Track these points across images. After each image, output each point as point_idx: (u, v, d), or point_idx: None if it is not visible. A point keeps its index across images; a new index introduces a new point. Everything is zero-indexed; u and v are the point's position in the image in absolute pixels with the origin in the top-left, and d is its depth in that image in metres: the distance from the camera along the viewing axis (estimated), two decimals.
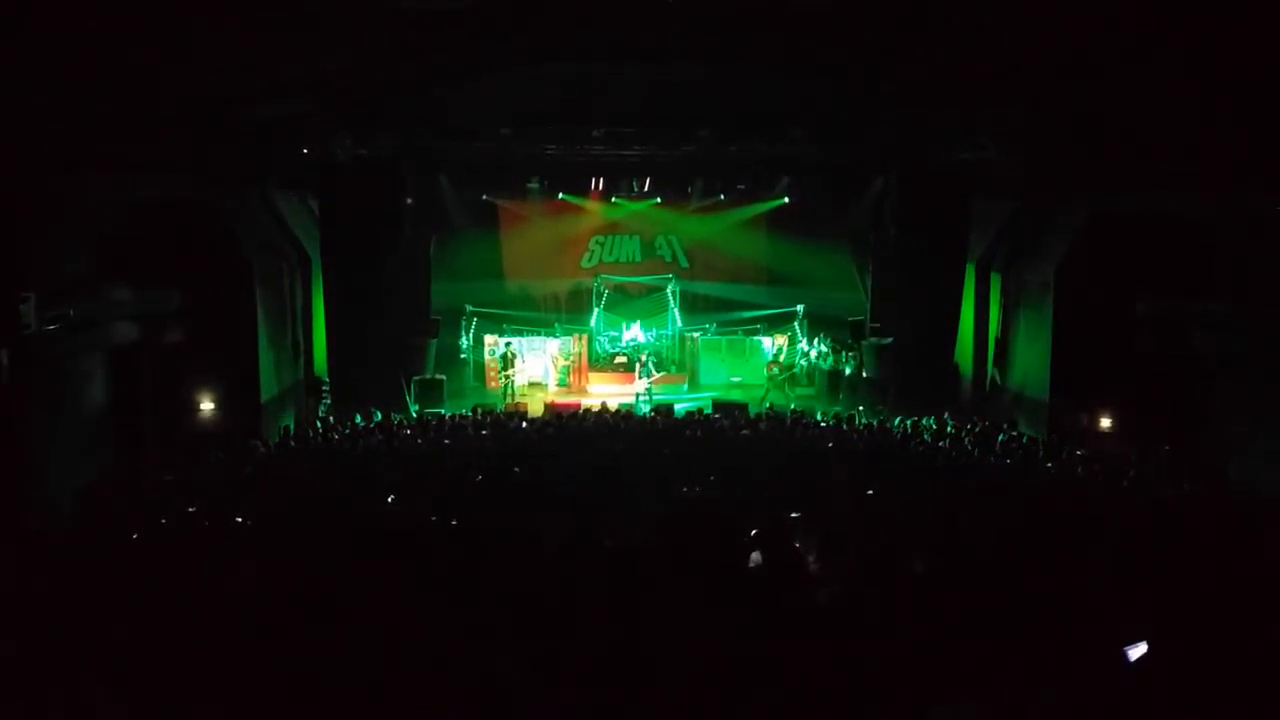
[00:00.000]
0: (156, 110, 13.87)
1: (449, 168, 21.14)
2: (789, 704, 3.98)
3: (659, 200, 23.28)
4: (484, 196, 22.89)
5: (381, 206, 19.97)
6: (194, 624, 4.77)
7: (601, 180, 22.45)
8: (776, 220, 23.48)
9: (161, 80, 13.18)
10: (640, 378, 21.19)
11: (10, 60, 10.10)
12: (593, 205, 23.53)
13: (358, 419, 17.49)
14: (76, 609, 5.13)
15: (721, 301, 24.37)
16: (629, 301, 24.46)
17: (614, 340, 23.82)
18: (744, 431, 16.22)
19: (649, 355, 22.10)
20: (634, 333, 23.73)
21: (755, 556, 5.76)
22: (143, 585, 5.75)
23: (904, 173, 20.25)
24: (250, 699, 4.10)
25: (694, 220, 24.01)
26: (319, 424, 17.18)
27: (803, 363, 23.09)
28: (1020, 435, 16.45)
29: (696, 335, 23.50)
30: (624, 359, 22.95)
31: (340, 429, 16.83)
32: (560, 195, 22.89)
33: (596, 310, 23.94)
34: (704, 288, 24.44)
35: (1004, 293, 19.34)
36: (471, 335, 23.23)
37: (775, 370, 21.67)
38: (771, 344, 23.02)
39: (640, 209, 23.69)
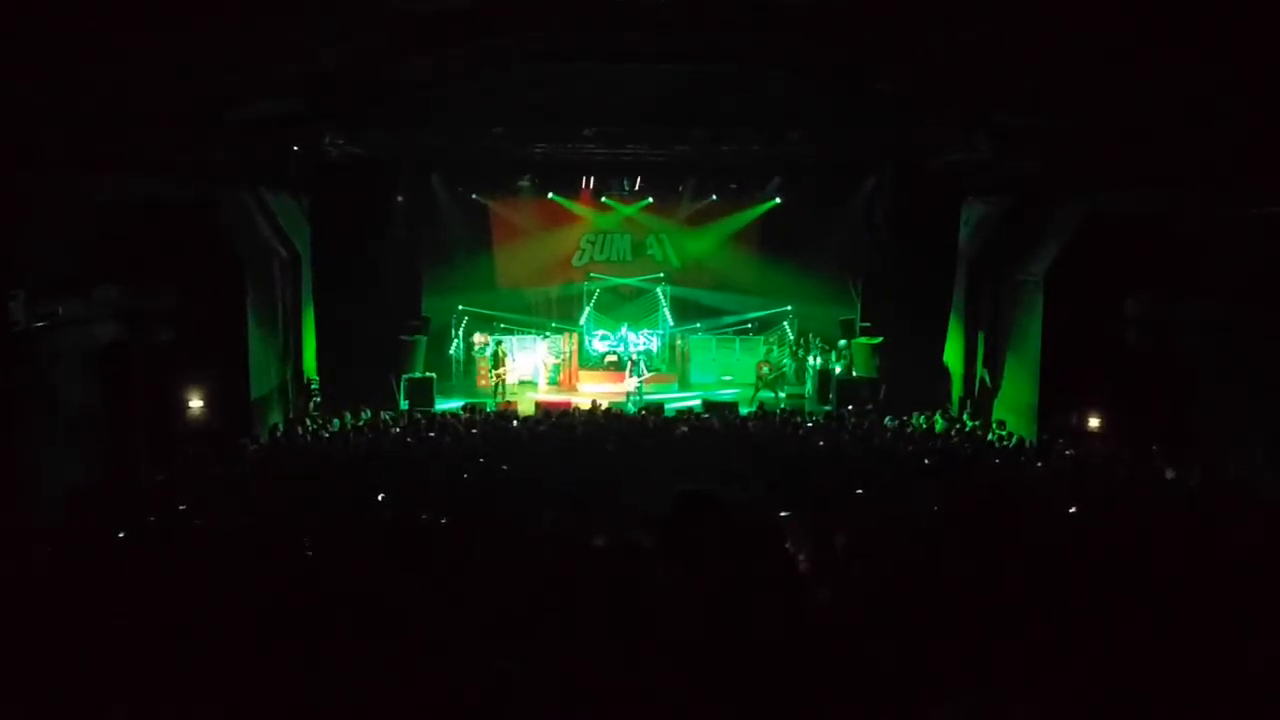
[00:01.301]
0: (149, 108, 13.82)
1: (441, 166, 21.13)
2: (784, 704, 3.99)
3: (650, 200, 23.25)
4: (473, 196, 22.83)
5: (373, 205, 19.98)
6: (186, 624, 4.76)
7: (593, 180, 22.41)
8: (768, 220, 23.47)
9: (154, 78, 13.13)
10: (631, 377, 21.21)
11: (1, 58, 10.06)
12: (584, 204, 23.48)
13: (348, 417, 17.48)
14: (67, 609, 5.12)
15: (712, 301, 24.28)
16: (620, 302, 24.44)
17: (604, 338, 23.82)
18: (746, 426, 16.28)
19: (639, 354, 22.13)
20: (623, 335, 23.69)
21: None
22: (133, 585, 5.74)
23: (896, 173, 20.30)
24: (245, 700, 4.09)
25: (685, 223, 23.96)
26: (309, 422, 17.16)
27: (791, 362, 23.16)
28: (1010, 435, 16.51)
29: (687, 334, 23.57)
30: (614, 358, 22.99)
31: (330, 427, 16.82)
32: (550, 195, 22.83)
33: (587, 310, 23.94)
34: (694, 288, 24.36)
35: (995, 293, 19.40)
36: (462, 334, 23.21)
37: (766, 370, 21.71)
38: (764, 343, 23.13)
39: (631, 212, 23.66)
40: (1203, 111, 13.27)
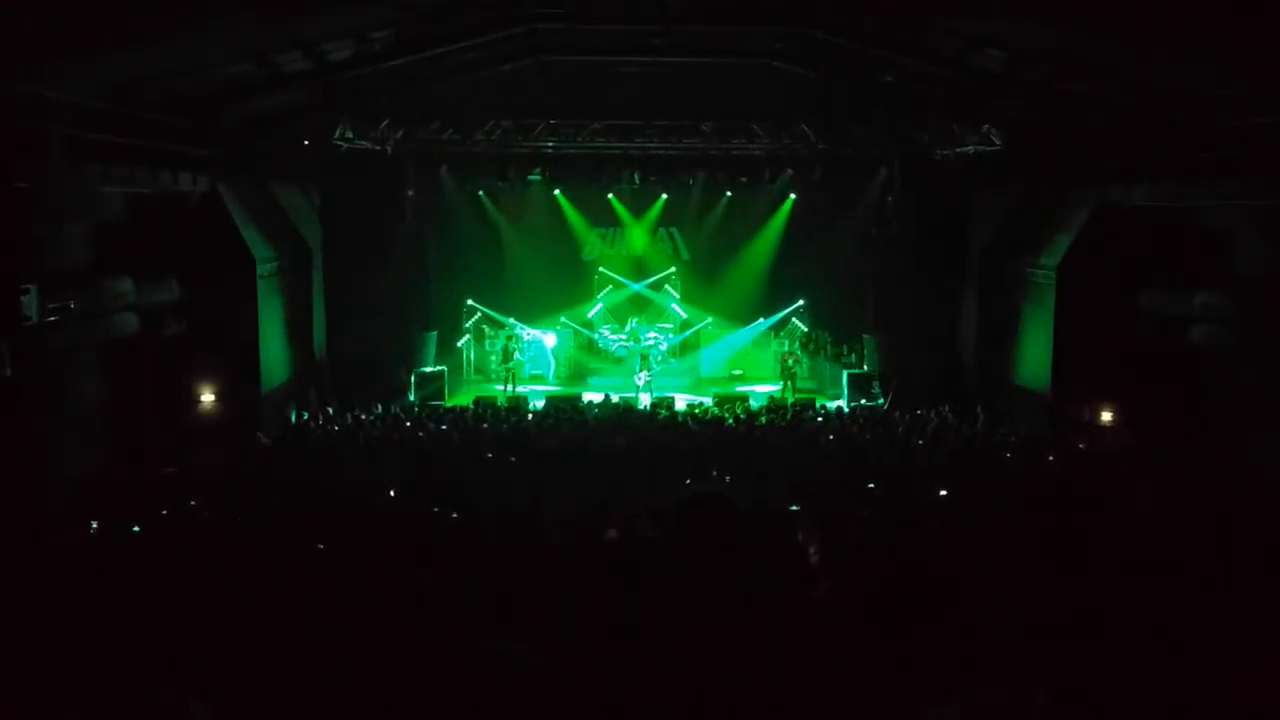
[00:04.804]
0: (159, 101, 13.85)
1: (450, 160, 21.11)
2: (787, 698, 3.98)
3: (665, 197, 23.08)
4: (479, 193, 22.73)
5: (382, 198, 20.00)
6: (195, 619, 4.77)
7: (602, 174, 22.30)
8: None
9: (165, 71, 13.16)
10: (641, 371, 21.15)
11: (12, 50, 10.07)
12: (594, 198, 23.33)
13: (358, 411, 17.50)
14: (77, 603, 5.13)
15: (724, 294, 24.10)
16: (630, 294, 24.28)
17: (615, 330, 23.71)
18: (755, 420, 16.25)
19: (651, 348, 22.04)
20: (634, 329, 23.59)
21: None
22: (145, 579, 5.76)
23: (907, 166, 20.21)
24: (252, 693, 4.10)
25: (696, 217, 23.80)
26: (319, 416, 17.19)
27: (804, 356, 23.05)
28: (1021, 429, 16.44)
29: (698, 328, 23.48)
30: (625, 351, 22.90)
31: (341, 421, 16.85)
32: (557, 192, 22.71)
33: (598, 304, 23.84)
34: (705, 279, 24.18)
35: (1007, 285, 19.28)
36: (472, 328, 23.18)
37: (790, 361, 21.59)
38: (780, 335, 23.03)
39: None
40: (1219, 101, 13.18)
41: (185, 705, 3.88)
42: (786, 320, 23.30)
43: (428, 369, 20.96)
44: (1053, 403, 17.03)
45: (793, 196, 22.50)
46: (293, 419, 17.08)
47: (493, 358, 22.51)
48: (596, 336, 23.60)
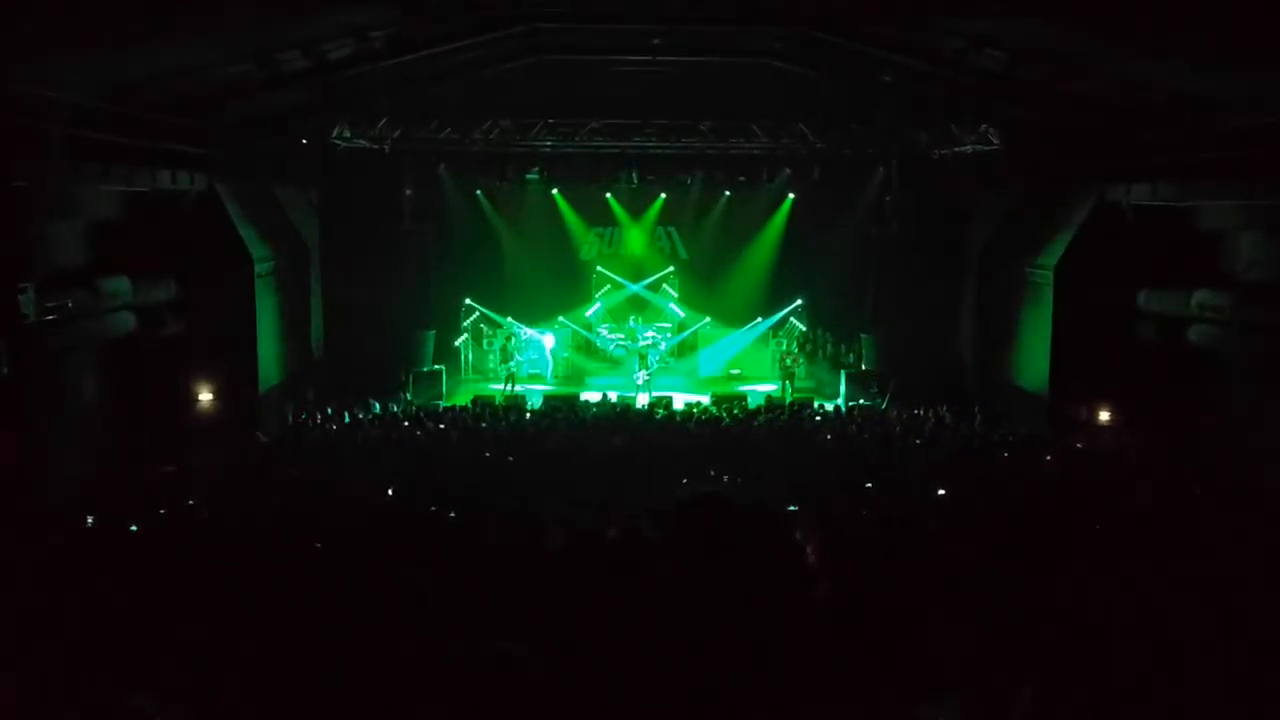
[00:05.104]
0: (159, 101, 13.84)
1: (448, 159, 21.13)
2: (786, 698, 3.98)
3: (664, 196, 23.06)
4: (477, 192, 22.72)
5: (381, 198, 20.01)
6: (195, 619, 4.77)
7: (600, 173, 22.29)
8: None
9: (164, 71, 13.14)
10: (640, 370, 21.16)
11: (12, 50, 10.06)
12: (592, 197, 23.32)
13: (357, 411, 17.50)
14: (76, 603, 5.13)
15: (722, 294, 24.10)
16: (628, 294, 24.28)
17: (613, 329, 23.72)
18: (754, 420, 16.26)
19: (649, 347, 22.04)
20: (632, 328, 23.60)
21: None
22: (143, 579, 5.75)
23: (905, 165, 20.20)
24: (251, 694, 4.09)
25: (694, 217, 23.76)
26: (317, 416, 17.19)
27: (802, 356, 23.04)
28: (1020, 429, 16.45)
29: (695, 328, 23.47)
30: (623, 351, 22.91)
31: (339, 421, 16.85)
32: (555, 191, 22.70)
33: (596, 304, 23.84)
34: (704, 279, 24.16)
35: (1005, 284, 19.30)
36: (470, 328, 23.18)
37: (789, 361, 21.56)
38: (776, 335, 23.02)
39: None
40: (1219, 101, 13.19)
41: (169, 706, 3.89)
42: (785, 320, 23.28)
43: (426, 368, 20.96)
44: (1051, 403, 17.03)
45: (791, 196, 22.49)
46: (291, 418, 17.07)
47: (491, 357, 22.51)
48: (595, 336, 23.61)
